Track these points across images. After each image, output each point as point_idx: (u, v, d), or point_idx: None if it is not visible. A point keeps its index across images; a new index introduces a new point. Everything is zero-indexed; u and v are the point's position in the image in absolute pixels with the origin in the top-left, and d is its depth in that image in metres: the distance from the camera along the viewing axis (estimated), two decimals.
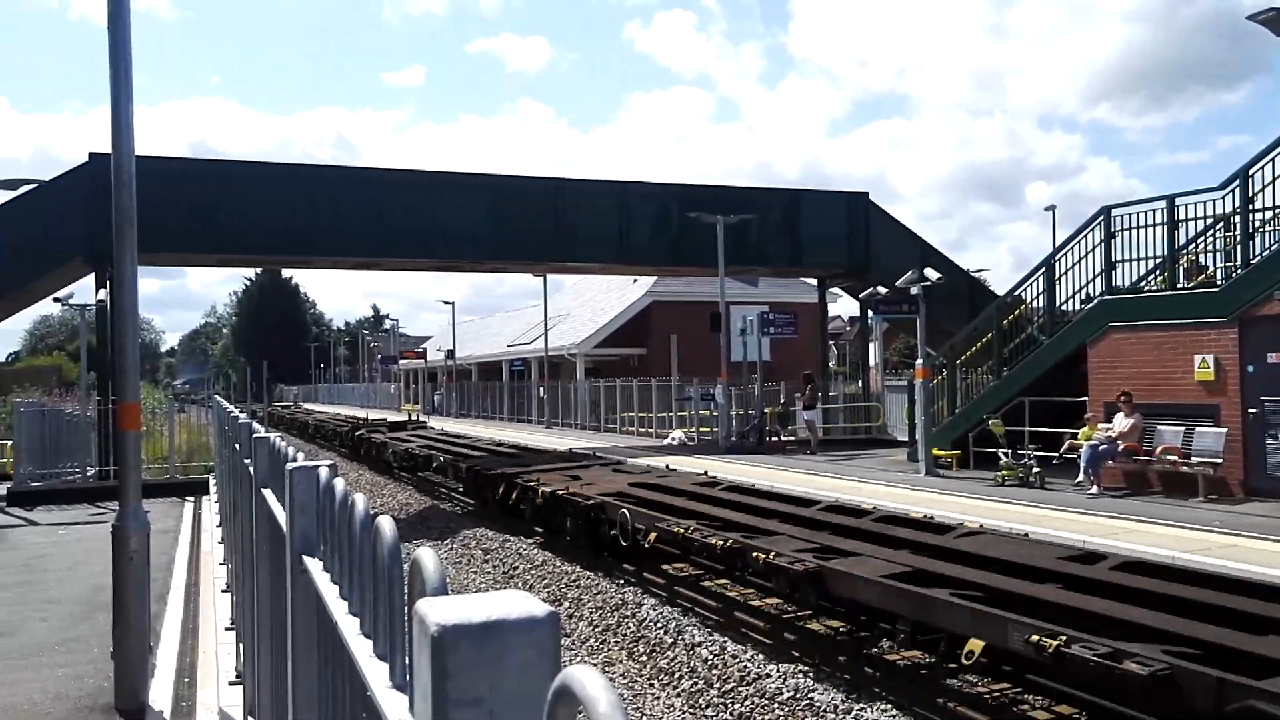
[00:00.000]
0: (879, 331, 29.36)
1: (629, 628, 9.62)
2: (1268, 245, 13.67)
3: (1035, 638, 5.70)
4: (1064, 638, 5.58)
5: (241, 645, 5.60)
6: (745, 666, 8.00)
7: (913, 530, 9.17)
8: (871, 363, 30.92)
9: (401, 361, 61.99)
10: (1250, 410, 13.14)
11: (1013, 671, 7.04)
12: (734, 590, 9.86)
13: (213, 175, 22.12)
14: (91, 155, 19.55)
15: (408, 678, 1.15)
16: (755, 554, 8.44)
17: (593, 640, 9.63)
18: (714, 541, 9.07)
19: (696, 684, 7.93)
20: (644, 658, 8.83)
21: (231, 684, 5.84)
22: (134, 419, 5.99)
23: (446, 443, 22.65)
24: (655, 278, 39.40)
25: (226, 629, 7.05)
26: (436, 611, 0.82)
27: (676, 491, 12.30)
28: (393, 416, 39.31)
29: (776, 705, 7.26)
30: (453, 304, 53.56)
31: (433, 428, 29.94)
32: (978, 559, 7.80)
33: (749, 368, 24.95)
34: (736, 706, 7.41)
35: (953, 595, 6.66)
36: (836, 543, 8.75)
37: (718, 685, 7.81)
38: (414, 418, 36.53)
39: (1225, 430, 13.20)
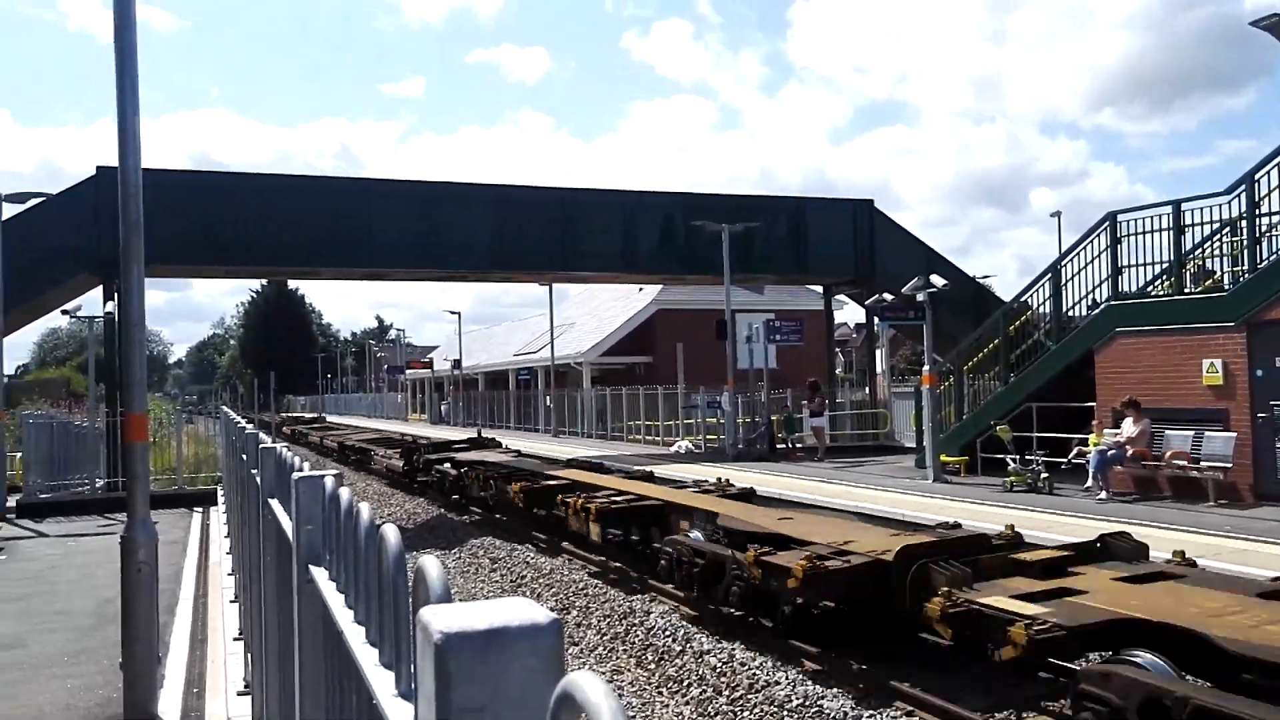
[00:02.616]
0: (885, 338, 29.34)
1: (637, 635, 9.60)
2: (1275, 249, 13.62)
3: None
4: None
5: (250, 655, 5.61)
6: (754, 673, 7.97)
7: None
8: (878, 369, 30.87)
9: (408, 371, 62.11)
10: (1260, 415, 13.08)
11: None
12: None
13: (218, 187, 22.19)
14: (99, 169, 19.64)
15: (413, 685, 1.16)
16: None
17: (601, 649, 9.62)
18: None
19: (705, 691, 7.91)
20: (653, 665, 8.82)
21: (240, 694, 5.85)
22: (142, 430, 6.01)
23: None
24: (661, 286, 39.41)
25: (235, 639, 7.07)
26: (440, 619, 0.82)
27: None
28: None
29: (786, 712, 7.23)
30: (459, 314, 53.66)
31: None
32: None
33: (755, 375, 24.91)
34: (746, 714, 7.38)
35: None
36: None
37: (726, 693, 7.79)
38: None
39: (1234, 435, 13.13)
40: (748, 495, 12.70)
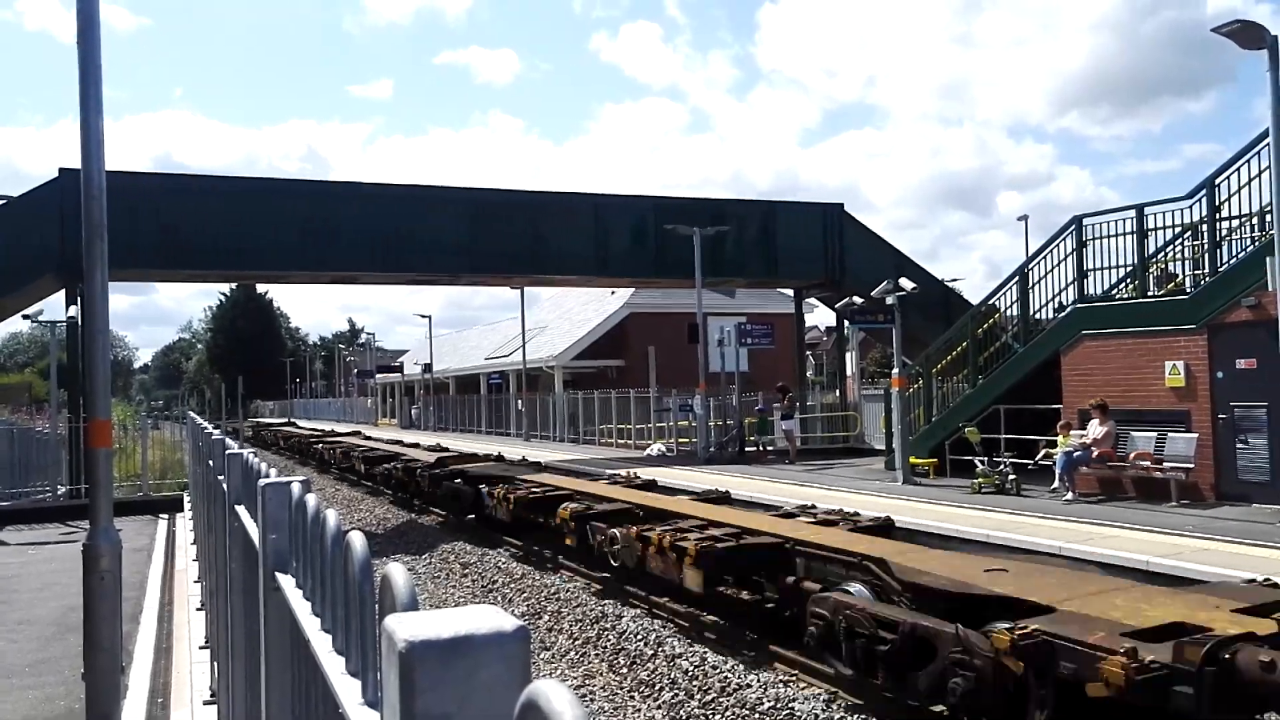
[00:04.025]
0: (855, 341, 29.53)
1: (609, 640, 9.58)
2: (1235, 253, 13.88)
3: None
4: None
5: (216, 664, 5.54)
6: (726, 677, 7.99)
7: None
8: (848, 372, 31.06)
9: (378, 375, 61.63)
10: (1220, 416, 13.31)
11: None
12: None
13: (185, 190, 21.90)
14: (61, 170, 19.33)
15: (379, 694, 1.15)
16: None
17: (573, 653, 9.59)
18: None
19: (677, 695, 7.91)
20: (624, 670, 8.81)
21: (206, 703, 5.77)
22: (105, 436, 5.91)
23: None
24: (632, 289, 39.40)
25: (201, 648, 6.97)
26: (405, 627, 0.81)
27: None
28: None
29: (757, 715, 7.25)
30: (429, 317, 53.27)
31: None
32: None
33: (727, 378, 24.99)
34: (717, 718, 7.39)
35: None
36: None
37: (698, 696, 7.80)
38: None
39: (1196, 436, 13.35)
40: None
